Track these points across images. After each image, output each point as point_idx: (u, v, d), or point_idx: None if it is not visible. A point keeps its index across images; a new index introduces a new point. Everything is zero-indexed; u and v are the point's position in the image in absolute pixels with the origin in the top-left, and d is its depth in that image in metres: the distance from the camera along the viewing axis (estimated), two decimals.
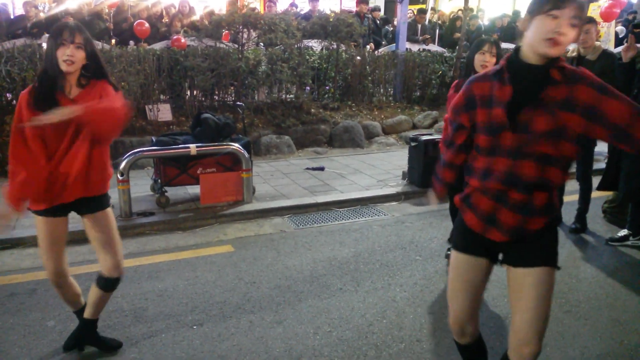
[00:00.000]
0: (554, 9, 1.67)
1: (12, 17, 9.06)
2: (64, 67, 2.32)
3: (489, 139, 1.84)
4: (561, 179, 1.83)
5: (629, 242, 4.22)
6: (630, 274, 3.78)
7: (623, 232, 4.31)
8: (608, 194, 4.82)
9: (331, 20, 8.50)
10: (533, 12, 1.74)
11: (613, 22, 9.85)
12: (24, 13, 8.81)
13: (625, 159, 3.95)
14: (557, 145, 1.76)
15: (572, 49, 4.44)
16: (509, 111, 1.78)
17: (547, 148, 1.76)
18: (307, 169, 6.73)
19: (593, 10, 9.54)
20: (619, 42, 9.99)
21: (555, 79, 1.74)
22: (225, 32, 7.89)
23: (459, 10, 11.76)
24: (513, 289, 1.94)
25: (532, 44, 1.74)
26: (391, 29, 11.19)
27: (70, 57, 2.30)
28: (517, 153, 1.79)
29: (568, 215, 4.71)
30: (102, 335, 2.83)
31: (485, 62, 3.20)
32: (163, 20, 9.58)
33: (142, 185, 5.68)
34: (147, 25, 8.38)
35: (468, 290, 2.04)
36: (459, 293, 2.05)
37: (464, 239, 2.02)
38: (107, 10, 9.34)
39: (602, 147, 5.56)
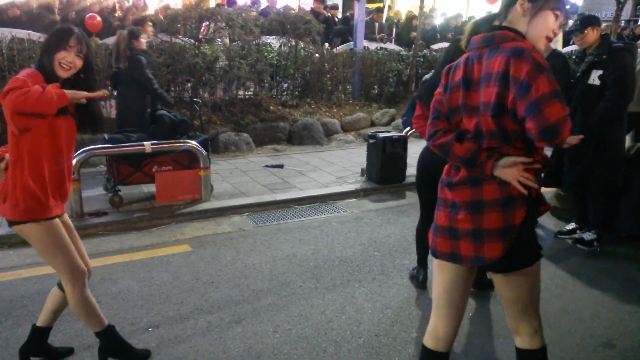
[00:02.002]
0: (558, 9, 1.75)
1: None
2: (60, 71, 2.28)
3: None
4: None
5: (576, 235, 4.41)
6: (577, 265, 3.95)
7: (571, 226, 4.50)
8: (553, 190, 5.01)
9: (289, 16, 8.48)
10: (539, 2, 1.75)
11: None
12: None
13: (565, 152, 4.13)
14: None
15: None
16: None
17: None
18: (266, 166, 6.69)
19: None
20: (566, 42, 10.43)
21: None
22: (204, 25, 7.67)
23: (408, 11, 11.95)
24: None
25: (532, 37, 1.77)
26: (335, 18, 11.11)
27: (69, 64, 2.29)
28: None
29: None
30: (51, 345, 2.71)
31: None
32: (116, 15, 9.30)
33: (94, 184, 5.50)
34: (98, 18, 8.10)
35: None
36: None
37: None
38: (57, 3, 8.99)
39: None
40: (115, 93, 6.35)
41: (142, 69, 5.24)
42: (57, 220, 2.39)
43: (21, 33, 6.80)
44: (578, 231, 4.41)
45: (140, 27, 5.55)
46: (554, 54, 4.44)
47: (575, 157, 4.07)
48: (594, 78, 3.91)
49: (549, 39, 1.78)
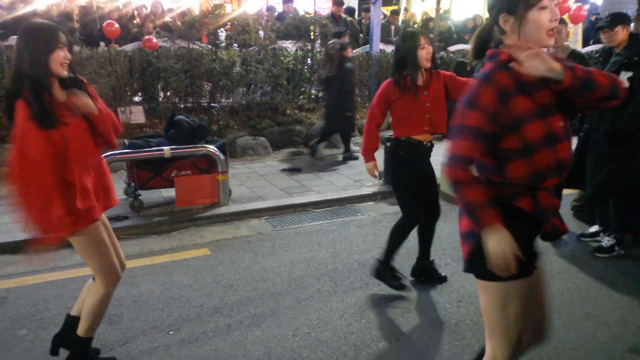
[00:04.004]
0: (545, 0, 1.64)
1: None
2: (61, 71, 2.23)
3: (542, 125, 1.68)
4: None
5: (599, 238, 4.32)
6: (601, 268, 3.87)
7: (594, 228, 4.42)
8: (576, 191, 4.93)
9: (305, 21, 8.51)
10: (518, 9, 1.67)
11: (580, 23, 10.12)
12: None
13: (590, 155, 4.05)
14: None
15: None
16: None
17: (565, 122, 1.74)
18: (284, 170, 6.71)
19: None
20: (585, 42, 10.28)
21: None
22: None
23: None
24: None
25: (533, 42, 1.69)
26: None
27: (67, 60, 2.24)
28: (567, 134, 1.72)
29: None
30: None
31: (429, 54, 3.21)
32: (134, 22, 9.44)
33: (114, 189, 5.56)
34: (116, 25, 8.23)
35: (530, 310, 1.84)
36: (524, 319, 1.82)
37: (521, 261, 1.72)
38: (76, 11, 9.16)
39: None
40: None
41: (351, 76, 7.04)
42: None
43: None
44: (601, 234, 4.33)
45: (344, 38, 7.22)
46: (574, 54, 4.37)
47: (600, 160, 3.97)
48: (623, 80, 3.80)
49: (552, 32, 1.68)
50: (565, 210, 4.99)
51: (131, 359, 2.75)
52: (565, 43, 4.45)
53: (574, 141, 4.24)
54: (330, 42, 7.19)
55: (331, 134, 7.51)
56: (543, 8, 1.65)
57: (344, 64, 6.84)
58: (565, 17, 9.26)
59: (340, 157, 7.38)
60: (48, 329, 2.99)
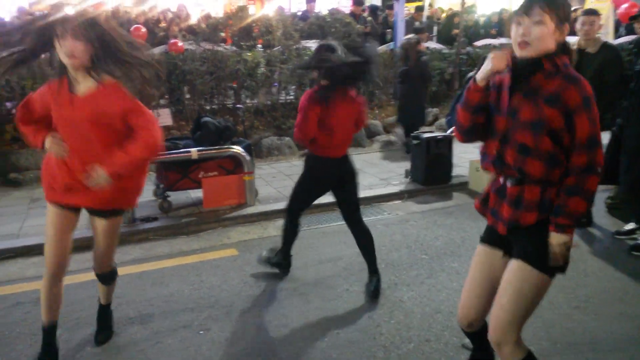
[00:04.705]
0: (519, 16, 1.86)
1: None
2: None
3: (495, 119, 1.97)
4: (541, 173, 1.85)
5: (635, 235, 4.19)
6: (638, 267, 3.75)
7: (630, 226, 4.28)
8: (610, 188, 4.78)
9: (328, 19, 8.49)
10: (511, 18, 1.91)
11: (612, 15, 9.80)
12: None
13: (623, 152, 3.92)
14: (537, 138, 1.82)
15: (572, 42, 4.41)
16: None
17: (526, 138, 1.84)
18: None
19: (591, 3, 9.49)
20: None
21: (545, 68, 1.82)
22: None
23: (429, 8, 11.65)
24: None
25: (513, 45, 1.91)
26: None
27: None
28: (504, 138, 1.91)
29: None
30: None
31: None
32: (160, 25, 9.58)
33: (144, 190, 5.65)
34: (144, 29, 8.36)
35: (481, 280, 2.11)
36: (472, 281, 2.15)
37: (485, 231, 2.16)
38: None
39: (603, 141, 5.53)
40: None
41: (428, 68, 7.64)
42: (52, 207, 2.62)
43: None
44: (637, 231, 4.19)
45: (420, 34, 7.72)
46: (605, 46, 4.25)
47: (633, 158, 3.84)
48: None
49: (519, 45, 1.84)
50: (600, 207, 4.86)
51: (162, 359, 2.78)
52: (597, 35, 4.32)
53: (606, 136, 4.16)
54: (407, 36, 7.58)
55: (411, 126, 7.32)
56: (517, 23, 1.86)
57: (420, 58, 7.27)
58: (606, 10, 8.95)
59: (405, 149, 7.48)
60: (83, 329, 3.05)
